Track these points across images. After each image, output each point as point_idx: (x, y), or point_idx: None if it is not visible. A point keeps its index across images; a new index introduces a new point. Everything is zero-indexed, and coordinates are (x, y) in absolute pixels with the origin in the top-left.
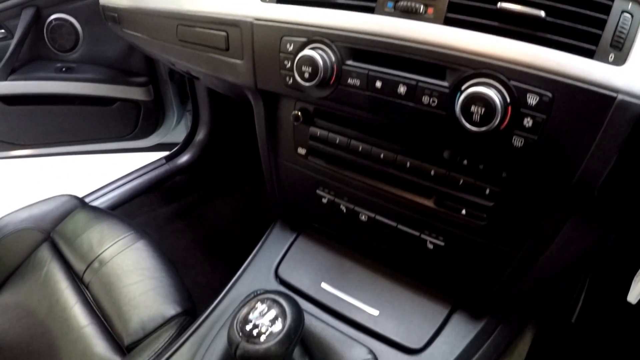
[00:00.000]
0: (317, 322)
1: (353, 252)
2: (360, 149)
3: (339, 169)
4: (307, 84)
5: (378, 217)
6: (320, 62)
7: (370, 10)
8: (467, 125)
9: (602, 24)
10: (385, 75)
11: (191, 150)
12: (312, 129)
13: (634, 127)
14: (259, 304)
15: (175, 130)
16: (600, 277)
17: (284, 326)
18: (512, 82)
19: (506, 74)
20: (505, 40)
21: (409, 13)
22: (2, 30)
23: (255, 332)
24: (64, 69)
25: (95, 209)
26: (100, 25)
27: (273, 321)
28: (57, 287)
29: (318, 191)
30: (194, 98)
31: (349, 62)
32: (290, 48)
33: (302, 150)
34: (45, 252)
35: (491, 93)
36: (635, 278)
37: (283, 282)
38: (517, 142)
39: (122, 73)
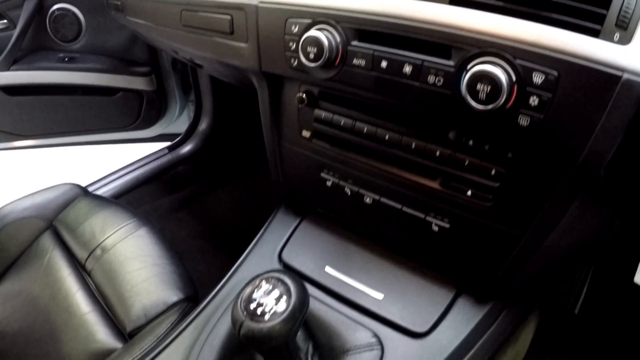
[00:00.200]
0: (321, 306)
1: (357, 237)
2: (365, 130)
3: (343, 151)
4: (312, 64)
5: (383, 200)
6: (326, 42)
7: None
8: (473, 103)
9: (607, 4)
10: (390, 55)
11: (194, 140)
12: (317, 112)
13: (639, 106)
14: (263, 283)
15: (177, 121)
16: (602, 269)
17: (288, 305)
18: (518, 61)
19: (512, 53)
20: (510, 19)
21: None
22: (5, 21)
23: (259, 310)
24: (66, 59)
25: (97, 197)
26: (102, 15)
27: (278, 300)
28: (59, 275)
29: (322, 174)
30: (197, 88)
31: (354, 42)
32: (295, 30)
33: (306, 133)
34: (47, 240)
35: (497, 71)
36: None
37: (287, 266)
38: (523, 121)
39: (124, 63)
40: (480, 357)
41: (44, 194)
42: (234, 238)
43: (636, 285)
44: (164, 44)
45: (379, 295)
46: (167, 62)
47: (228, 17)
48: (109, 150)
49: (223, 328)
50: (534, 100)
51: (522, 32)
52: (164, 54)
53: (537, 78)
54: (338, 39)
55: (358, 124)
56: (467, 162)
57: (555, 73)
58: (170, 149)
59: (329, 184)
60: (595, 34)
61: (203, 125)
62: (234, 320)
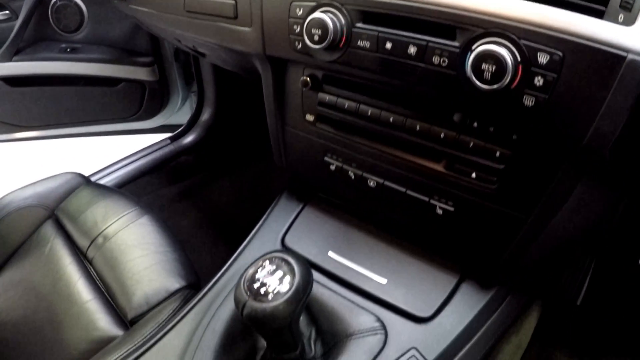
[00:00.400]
0: (324, 290)
1: (361, 222)
2: (369, 113)
3: (347, 134)
4: (316, 46)
5: (387, 183)
6: (330, 24)
7: None
8: (478, 83)
9: None
10: (395, 37)
11: (196, 130)
12: (321, 95)
13: None
14: (267, 263)
15: (179, 112)
16: (605, 260)
17: (292, 285)
18: (523, 41)
19: (516, 33)
20: (515, 0)
21: None
22: (7, 12)
23: (262, 290)
24: (68, 50)
25: (99, 186)
26: (105, 5)
27: (281, 280)
28: (61, 263)
29: (326, 158)
30: (199, 78)
31: (359, 24)
32: (300, 12)
33: (310, 117)
34: (49, 229)
35: (502, 51)
36: None
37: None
38: (528, 101)
39: (127, 53)
40: (484, 343)
41: (46, 183)
42: (236, 228)
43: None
44: (166, 31)
45: (383, 280)
46: (170, 53)
47: (232, 1)
48: (111, 141)
49: (225, 313)
50: (538, 81)
51: (527, 13)
52: (167, 44)
53: (542, 58)
54: (342, 21)
55: (362, 107)
56: (471, 144)
57: (560, 53)
58: (173, 139)
59: (332, 167)
60: (599, 15)
61: (205, 116)
62: (236, 301)
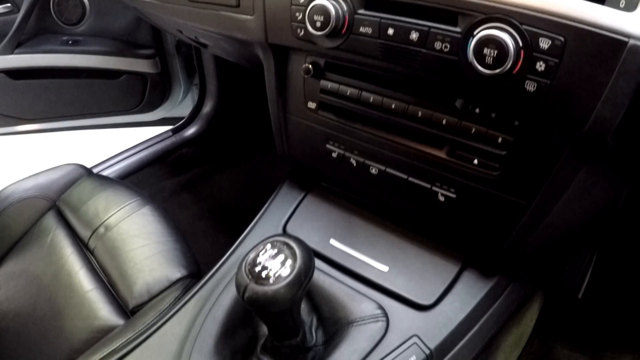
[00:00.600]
0: (326, 278)
1: (362, 210)
2: (371, 100)
3: (349, 122)
4: (318, 33)
5: (389, 170)
6: (332, 10)
7: None
8: (480, 68)
9: None
10: (397, 23)
11: (198, 122)
12: (323, 82)
13: None
14: (268, 247)
15: (181, 105)
16: (607, 254)
17: (293, 268)
18: (524, 26)
19: (518, 18)
20: None
21: None
22: (9, 4)
23: (264, 274)
24: (70, 42)
25: (101, 177)
26: None
27: (283, 263)
28: (62, 254)
29: (328, 145)
30: (201, 70)
31: (361, 10)
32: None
33: (312, 105)
34: (50, 220)
35: (504, 36)
36: None
37: None
38: (530, 86)
39: (128, 45)
40: (486, 331)
41: (48, 175)
42: (238, 219)
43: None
44: (168, 22)
45: (384, 268)
46: (172, 45)
47: None
48: (112, 133)
49: (227, 300)
50: (540, 66)
51: None
52: (168, 37)
53: (544, 43)
54: (344, 7)
55: (364, 94)
56: (473, 130)
57: (561, 39)
58: (174, 131)
59: (334, 155)
60: (601, 0)
61: (207, 108)
62: (238, 284)
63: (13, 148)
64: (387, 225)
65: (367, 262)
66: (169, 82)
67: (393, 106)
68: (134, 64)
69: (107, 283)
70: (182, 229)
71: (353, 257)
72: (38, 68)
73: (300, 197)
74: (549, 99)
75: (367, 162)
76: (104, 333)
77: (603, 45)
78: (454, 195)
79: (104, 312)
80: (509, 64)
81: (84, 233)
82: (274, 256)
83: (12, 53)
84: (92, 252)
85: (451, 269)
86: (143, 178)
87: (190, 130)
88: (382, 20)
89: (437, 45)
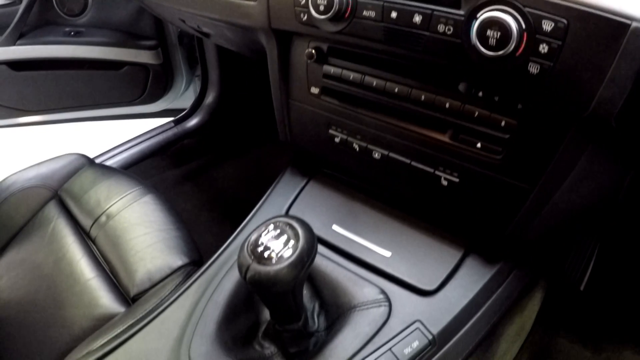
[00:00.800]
0: (328, 263)
1: (365, 196)
2: (374, 84)
3: (352, 106)
4: (321, 17)
5: (392, 155)
6: None
7: None
8: (483, 50)
9: None
10: (400, 6)
11: (200, 113)
12: (326, 67)
13: None
14: (271, 227)
15: (183, 96)
16: (609, 246)
17: (296, 249)
18: (527, 9)
19: (521, 1)
20: None
21: None
22: None
23: (266, 254)
24: (72, 33)
25: (103, 166)
26: None
27: (286, 244)
28: (64, 243)
29: (331, 131)
30: (203, 60)
31: None
32: None
33: (315, 90)
34: (52, 210)
35: (507, 17)
36: None
37: None
38: (533, 68)
39: (131, 37)
40: (489, 317)
41: (49, 164)
42: (239, 210)
43: None
44: (171, 11)
45: (387, 253)
46: (174, 36)
47: None
48: (114, 125)
49: (228, 285)
50: (543, 48)
51: None
52: (171, 28)
53: (547, 26)
54: None
55: (367, 78)
56: (476, 114)
57: (564, 21)
58: (177, 122)
59: (337, 140)
60: None
61: (209, 99)
62: (240, 264)
63: (15, 140)
64: (389, 211)
65: (369, 248)
66: (171, 74)
67: (396, 90)
68: (136, 55)
69: (108, 271)
70: (184, 219)
71: (355, 242)
72: (40, 59)
73: (302, 184)
74: (552, 81)
75: (370, 146)
76: (105, 321)
77: (606, 28)
78: (457, 180)
79: (105, 300)
80: (512, 46)
81: (86, 222)
82: (277, 237)
83: (14, 44)
84: (93, 241)
85: (454, 255)
86: (145, 169)
87: (193, 121)
88: (385, 4)
89: (441, 28)
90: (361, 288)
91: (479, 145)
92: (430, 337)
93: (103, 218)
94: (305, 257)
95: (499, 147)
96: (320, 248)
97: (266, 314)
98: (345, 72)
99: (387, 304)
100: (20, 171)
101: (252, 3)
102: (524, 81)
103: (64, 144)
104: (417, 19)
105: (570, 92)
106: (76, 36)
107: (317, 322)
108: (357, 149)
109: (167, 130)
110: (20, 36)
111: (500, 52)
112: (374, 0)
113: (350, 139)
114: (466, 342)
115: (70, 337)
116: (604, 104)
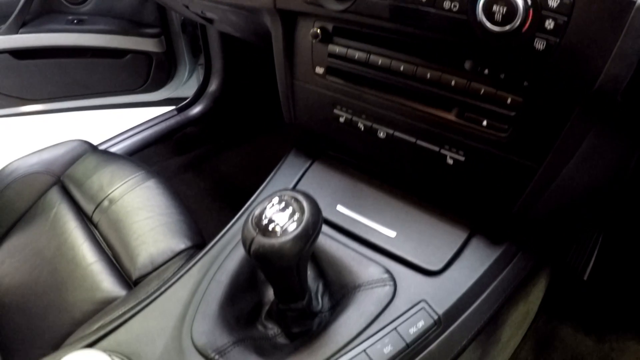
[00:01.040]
0: (332, 243)
1: (369, 177)
2: (379, 62)
3: (357, 86)
4: None
5: (397, 134)
6: None
7: None
8: (489, 25)
9: None
10: None
11: (203, 101)
12: (331, 47)
13: None
14: (276, 200)
15: (186, 85)
16: (612, 236)
17: (301, 222)
18: None
19: None
20: None
21: None
22: None
23: (271, 227)
24: (75, 22)
25: (106, 152)
26: None
27: (291, 217)
28: (66, 228)
29: (335, 110)
30: (207, 48)
31: None
32: None
33: (320, 70)
34: (54, 195)
35: None
36: None
37: None
38: (539, 44)
39: (134, 25)
40: (494, 299)
41: (52, 150)
42: (242, 198)
43: None
44: None
45: (392, 233)
46: (177, 24)
47: None
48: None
49: (231, 265)
50: (549, 24)
51: None
52: (174, 16)
53: (553, 1)
54: None
55: (372, 57)
56: (482, 92)
57: None
58: (180, 110)
59: (342, 120)
60: None
61: (212, 87)
62: (244, 238)
63: (18, 128)
64: (394, 192)
65: (374, 228)
66: (174, 62)
67: (401, 68)
68: (139, 43)
69: (110, 256)
70: (186, 205)
71: (360, 222)
72: (43, 48)
73: (306, 165)
74: (558, 58)
75: (375, 126)
76: (107, 304)
77: (611, 4)
78: (462, 158)
79: (107, 283)
80: (517, 22)
81: (88, 207)
82: (282, 210)
83: (16, 33)
84: (95, 226)
85: (459, 236)
86: (147, 156)
87: (196, 109)
88: None
89: (446, 4)
90: (366, 267)
91: (484, 123)
92: (435, 317)
93: (105, 203)
94: (311, 231)
95: (505, 124)
96: (325, 228)
97: (270, 295)
98: (350, 51)
99: (392, 283)
100: (23, 157)
101: None
102: (530, 58)
103: (67, 132)
104: None
105: (577, 69)
106: (79, 24)
107: (321, 302)
108: (362, 129)
109: (170, 118)
110: (22, 24)
111: (507, 28)
112: None
113: (355, 118)
114: (471, 323)
115: (71, 320)
116: (610, 80)
